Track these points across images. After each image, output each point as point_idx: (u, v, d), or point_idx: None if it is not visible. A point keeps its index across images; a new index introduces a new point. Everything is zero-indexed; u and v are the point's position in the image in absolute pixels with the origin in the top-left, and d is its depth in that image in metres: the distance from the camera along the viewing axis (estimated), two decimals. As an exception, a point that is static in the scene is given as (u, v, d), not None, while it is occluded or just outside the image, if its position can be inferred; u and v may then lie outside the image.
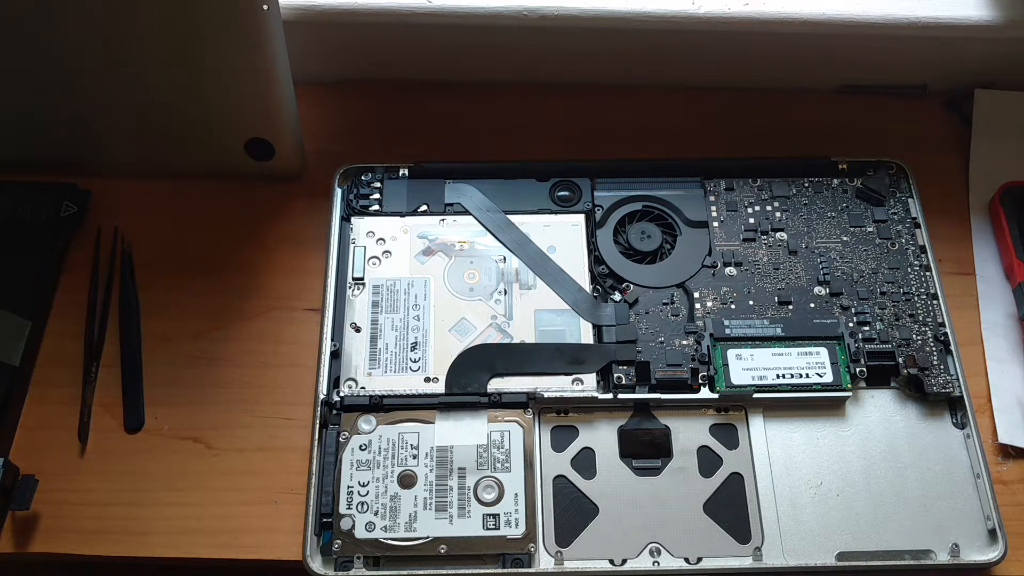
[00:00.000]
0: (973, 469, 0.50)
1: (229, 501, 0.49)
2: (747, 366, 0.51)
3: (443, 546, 0.47)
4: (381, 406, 0.50)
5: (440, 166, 0.58)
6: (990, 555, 0.47)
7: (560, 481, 0.49)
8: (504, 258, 0.55)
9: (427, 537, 0.47)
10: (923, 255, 0.56)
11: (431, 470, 0.49)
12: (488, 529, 0.47)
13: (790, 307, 0.54)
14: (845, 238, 0.56)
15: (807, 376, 0.51)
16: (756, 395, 0.51)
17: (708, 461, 0.50)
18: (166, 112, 0.55)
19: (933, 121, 0.64)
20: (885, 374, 0.52)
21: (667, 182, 0.58)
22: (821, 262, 0.55)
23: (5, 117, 0.56)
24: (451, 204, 0.57)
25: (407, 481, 0.48)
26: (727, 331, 0.52)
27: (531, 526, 0.47)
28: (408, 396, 0.50)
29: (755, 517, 0.48)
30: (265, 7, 0.48)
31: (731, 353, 0.52)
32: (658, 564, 0.47)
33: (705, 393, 0.51)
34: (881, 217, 0.57)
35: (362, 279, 0.54)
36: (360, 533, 0.47)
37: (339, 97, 0.64)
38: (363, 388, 0.51)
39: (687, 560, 0.47)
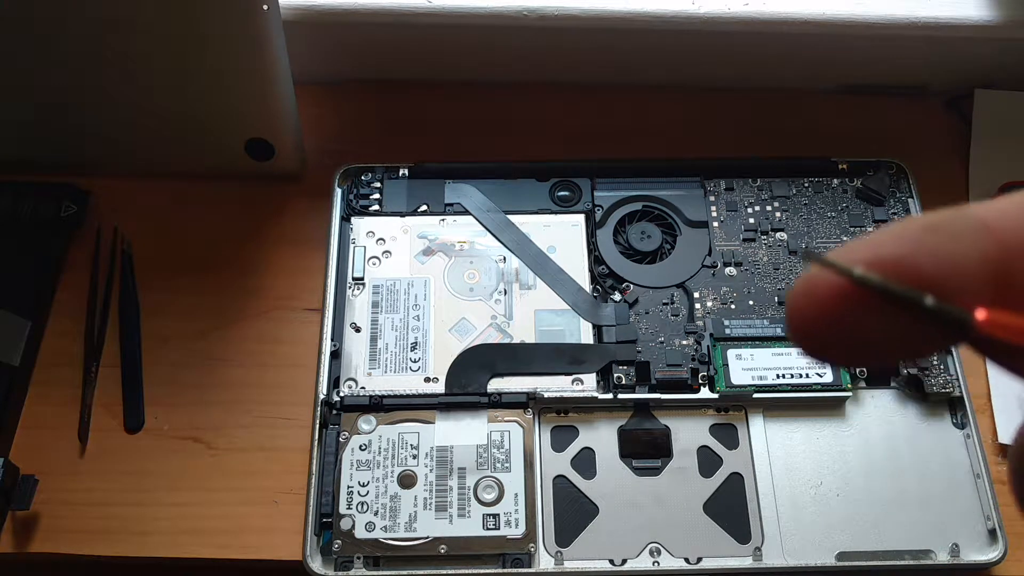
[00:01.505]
0: (973, 469, 0.50)
1: (229, 501, 0.49)
2: (747, 366, 0.51)
3: (443, 546, 0.47)
4: (381, 406, 0.50)
5: (440, 166, 0.58)
6: (990, 555, 0.47)
7: (560, 481, 0.49)
8: (504, 258, 0.55)
9: (427, 537, 0.47)
10: (923, 255, 0.55)
11: (431, 470, 0.48)
12: (488, 529, 0.47)
13: (790, 307, 0.54)
14: (845, 238, 0.56)
15: (807, 376, 0.51)
16: (756, 395, 0.51)
17: (708, 461, 0.50)
18: (166, 112, 0.55)
19: (933, 121, 0.64)
20: (885, 374, 0.52)
21: (667, 182, 0.58)
22: (821, 262, 0.55)
23: (5, 117, 0.56)
24: (451, 204, 0.57)
25: (407, 481, 0.48)
26: (727, 331, 0.52)
27: (531, 526, 0.47)
28: (408, 396, 0.50)
29: (755, 517, 0.48)
30: (265, 7, 0.48)
31: (731, 353, 0.51)
32: (658, 564, 0.47)
33: (705, 393, 0.51)
34: (881, 217, 0.57)
35: (362, 279, 0.54)
36: (360, 533, 0.47)
37: (339, 97, 0.64)
38: (363, 388, 0.51)
39: (687, 560, 0.47)
